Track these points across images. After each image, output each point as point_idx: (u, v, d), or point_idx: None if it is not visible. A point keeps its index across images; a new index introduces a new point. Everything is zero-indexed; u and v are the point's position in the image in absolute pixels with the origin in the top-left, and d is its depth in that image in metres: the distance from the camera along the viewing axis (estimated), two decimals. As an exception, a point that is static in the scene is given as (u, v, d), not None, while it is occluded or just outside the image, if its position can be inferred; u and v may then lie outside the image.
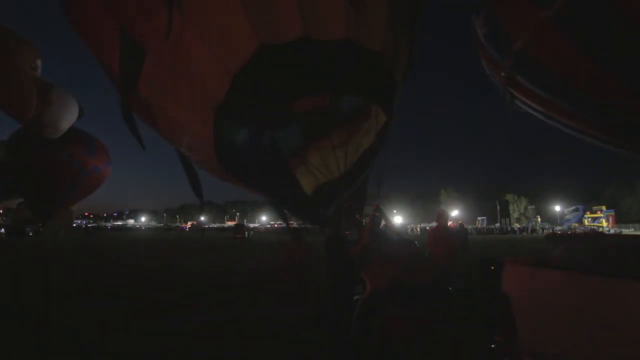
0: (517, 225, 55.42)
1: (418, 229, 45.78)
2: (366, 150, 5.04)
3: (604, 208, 45.20)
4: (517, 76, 3.94)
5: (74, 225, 49.06)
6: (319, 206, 5.22)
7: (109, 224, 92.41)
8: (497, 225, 53.49)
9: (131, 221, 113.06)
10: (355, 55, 3.56)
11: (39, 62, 6.43)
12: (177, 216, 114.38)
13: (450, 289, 4.11)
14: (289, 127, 4.29)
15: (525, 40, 3.54)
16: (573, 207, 49.90)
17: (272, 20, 3.21)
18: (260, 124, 3.86)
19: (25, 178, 10.94)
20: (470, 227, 46.48)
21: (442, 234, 5.36)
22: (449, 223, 5.50)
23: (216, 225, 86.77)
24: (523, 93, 4.11)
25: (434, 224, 6.64)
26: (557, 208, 56.05)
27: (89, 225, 64.03)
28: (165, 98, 3.61)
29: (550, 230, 40.78)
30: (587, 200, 53.66)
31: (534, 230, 49.19)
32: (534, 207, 65.01)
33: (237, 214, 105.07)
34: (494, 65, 4.31)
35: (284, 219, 5.29)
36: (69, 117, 7.50)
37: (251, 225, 67.52)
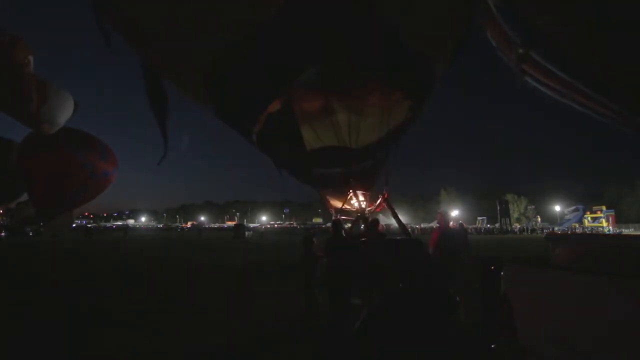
0: (517, 226, 55.32)
1: (418, 229, 45.58)
2: (391, 132, 4.85)
3: (604, 208, 45.03)
4: (531, 52, 3.78)
5: (74, 225, 48.84)
6: (316, 165, 5.01)
7: (111, 224, 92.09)
8: (497, 225, 53.38)
9: (131, 221, 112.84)
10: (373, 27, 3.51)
11: (31, 58, 6.35)
12: (177, 216, 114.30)
13: (458, 299, 4.02)
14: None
15: (546, 19, 3.38)
16: (573, 207, 49.72)
17: None
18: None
19: (36, 178, 10.90)
20: (470, 227, 46.32)
21: (445, 235, 5.18)
22: (450, 224, 5.34)
23: (216, 225, 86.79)
24: (536, 69, 3.96)
25: (434, 224, 6.55)
26: (557, 208, 55.92)
27: (90, 226, 63.34)
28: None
29: (550, 230, 40.71)
30: (587, 200, 53.51)
31: (534, 230, 49.07)
32: (534, 207, 64.93)
33: (237, 214, 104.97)
34: (504, 40, 4.12)
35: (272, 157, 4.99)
36: (65, 112, 7.41)
37: (251, 225, 67.36)
